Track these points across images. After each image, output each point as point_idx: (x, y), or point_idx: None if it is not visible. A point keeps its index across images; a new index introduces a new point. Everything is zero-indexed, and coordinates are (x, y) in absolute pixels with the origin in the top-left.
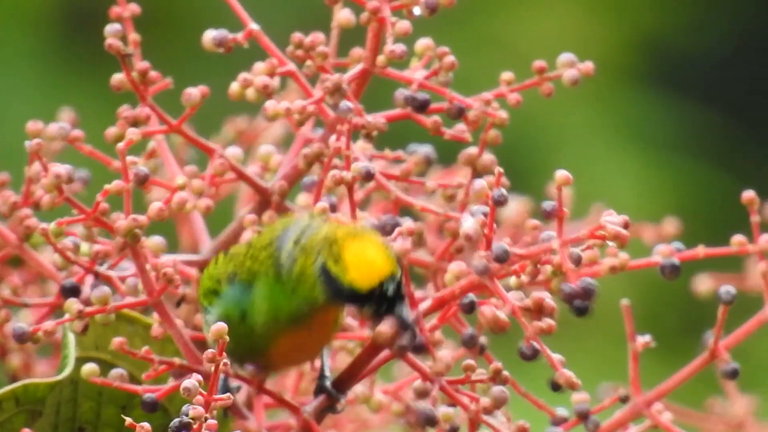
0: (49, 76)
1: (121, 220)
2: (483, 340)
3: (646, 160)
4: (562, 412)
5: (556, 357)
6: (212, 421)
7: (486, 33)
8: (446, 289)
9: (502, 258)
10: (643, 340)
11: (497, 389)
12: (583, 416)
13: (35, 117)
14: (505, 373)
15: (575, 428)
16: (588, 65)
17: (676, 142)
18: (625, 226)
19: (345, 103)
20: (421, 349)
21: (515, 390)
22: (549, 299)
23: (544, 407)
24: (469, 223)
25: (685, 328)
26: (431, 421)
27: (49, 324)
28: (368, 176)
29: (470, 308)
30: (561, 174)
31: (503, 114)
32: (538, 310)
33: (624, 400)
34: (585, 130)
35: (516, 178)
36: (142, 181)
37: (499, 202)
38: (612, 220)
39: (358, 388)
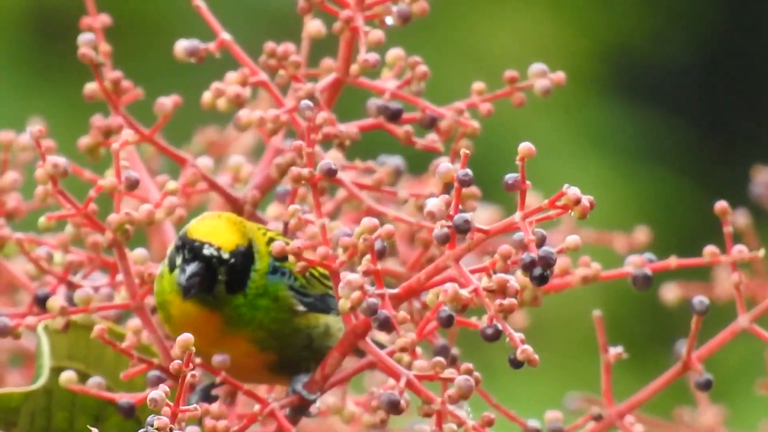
0: (19, 83)
1: (112, 215)
2: (455, 351)
3: (612, 168)
4: (533, 423)
5: (517, 335)
6: None
7: (453, 41)
8: (413, 278)
9: (462, 228)
10: (615, 351)
11: (461, 378)
12: None
13: (5, 125)
14: (476, 373)
15: None
16: (560, 75)
17: (642, 151)
18: (591, 205)
19: (305, 102)
20: (387, 325)
21: (487, 401)
22: (513, 281)
23: (515, 419)
24: (433, 202)
25: (650, 337)
26: (395, 405)
27: (31, 319)
28: (330, 173)
29: (448, 322)
30: (524, 146)
31: (475, 124)
32: (502, 292)
33: (597, 418)
34: (551, 140)
35: (483, 187)
36: (133, 186)
37: (464, 182)
38: (574, 190)
39: (330, 399)
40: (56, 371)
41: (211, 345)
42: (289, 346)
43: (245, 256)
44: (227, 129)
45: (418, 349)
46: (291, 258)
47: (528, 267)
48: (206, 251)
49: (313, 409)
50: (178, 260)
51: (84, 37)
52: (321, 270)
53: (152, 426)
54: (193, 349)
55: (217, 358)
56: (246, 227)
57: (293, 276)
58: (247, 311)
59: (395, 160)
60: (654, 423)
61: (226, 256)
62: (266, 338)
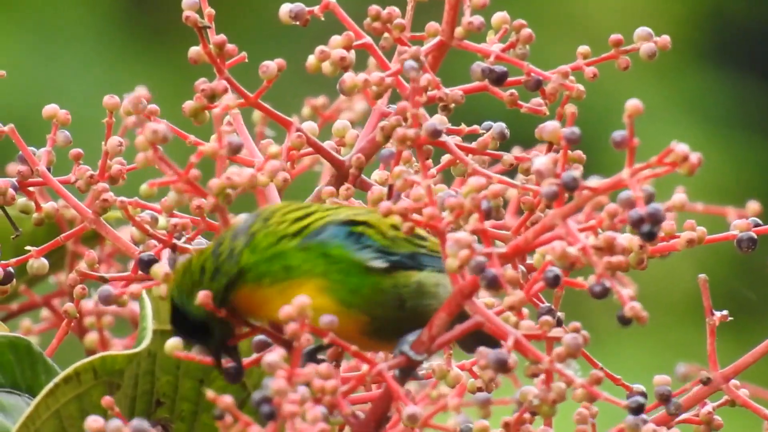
0: (112, 51)
1: (213, 180)
2: (560, 314)
3: (709, 135)
4: (638, 387)
5: (626, 291)
6: (294, 395)
7: (550, 6)
8: (520, 237)
9: (571, 185)
10: (720, 314)
11: (569, 336)
12: (664, 399)
13: (98, 92)
14: (584, 332)
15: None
16: (665, 39)
17: (739, 117)
18: (699, 162)
19: (410, 62)
20: (495, 284)
21: (592, 365)
22: (620, 239)
23: (620, 382)
24: (540, 160)
25: (747, 302)
26: (503, 364)
27: (135, 287)
28: (435, 134)
29: (555, 282)
30: (631, 103)
31: (581, 87)
32: (609, 249)
33: (706, 382)
34: (649, 106)
35: (583, 152)
36: (236, 150)
37: (571, 140)
38: (682, 146)
39: (435, 363)
40: (160, 335)
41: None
42: (378, 306)
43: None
44: (335, 97)
45: (525, 311)
46: (398, 218)
47: (636, 224)
48: None
49: (420, 370)
50: None
51: (188, 1)
52: (418, 231)
53: (269, 389)
54: (309, 313)
55: (325, 319)
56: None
57: (365, 236)
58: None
59: (499, 125)
60: (756, 389)
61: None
62: (338, 290)
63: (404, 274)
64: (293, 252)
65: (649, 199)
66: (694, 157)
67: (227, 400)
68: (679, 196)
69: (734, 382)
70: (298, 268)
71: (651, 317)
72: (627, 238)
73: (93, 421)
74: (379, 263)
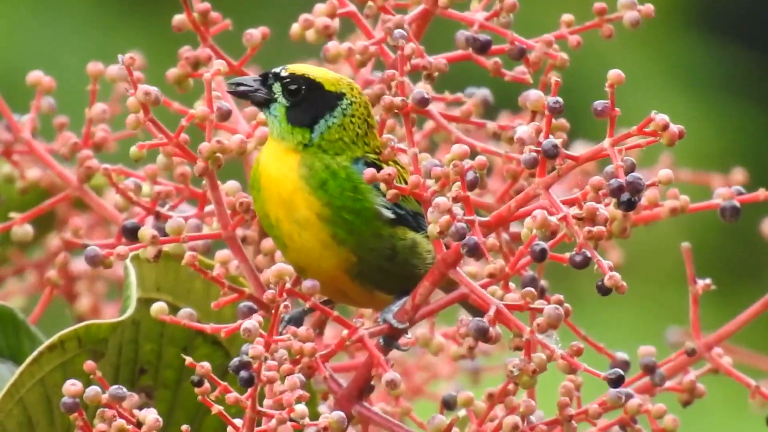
0: (107, 18)
1: (204, 143)
2: (543, 283)
3: (697, 102)
4: (621, 355)
5: (606, 263)
6: (272, 362)
7: None
8: (503, 206)
9: (551, 153)
10: (703, 282)
11: (551, 308)
12: (649, 369)
13: (89, 59)
14: (566, 304)
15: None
16: (649, 7)
17: (726, 85)
18: (680, 133)
19: (399, 31)
20: (476, 252)
21: (575, 333)
22: (602, 210)
23: (603, 350)
24: (523, 129)
25: (736, 269)
26: (483, 332)
27: (122, 248)
28: (422, 102)
29: (542, 256)
30: (613, 73)
31: (564, 55)
32: (591, 220)
33: (691, 353)
34: (637, 74)
35: (568, 119)
36: (226, 116)
37: (555, 110)
38: (662, 116)
39: (419, 331)
40: (144, 303)
41: (287, 207)
42: (369, 250)
43: (316, 91)
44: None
45: (511, 284)
46: (382, 186)
47: (616, 193)
48: (272, 71)
49: (403, 341)
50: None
51: None
52: None
53: (246, 355)
54: (287, 279)
55: (307, 284)
56: (354, 88)
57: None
58: (321, 168)
59: (483, 92)
60: (743, 354)
61: (284, 73)
62: (338, 222)
63: (403, 230)
64: (342, 165)
65: (630, 168)
66: (675, 127)
67: (206, 366)
68: (665, 171)
69: (717, 350)
70: (330, 180)
71: (638, 282)
72: (610, 207)
73: (71, 384)
74: (389, 213)
